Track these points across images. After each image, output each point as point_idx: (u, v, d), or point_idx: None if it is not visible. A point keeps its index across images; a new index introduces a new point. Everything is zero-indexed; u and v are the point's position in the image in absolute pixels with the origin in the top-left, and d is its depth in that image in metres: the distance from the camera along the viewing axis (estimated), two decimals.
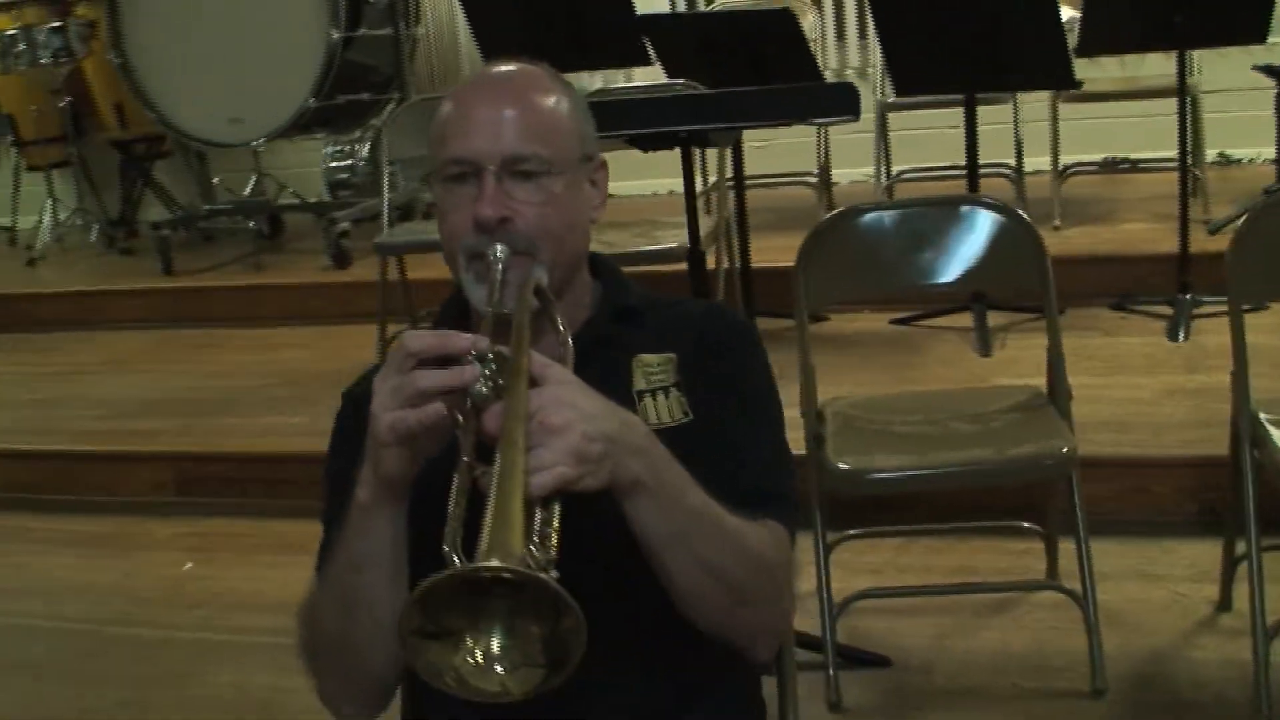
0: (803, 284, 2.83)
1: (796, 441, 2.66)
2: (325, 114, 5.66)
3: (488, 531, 1.15)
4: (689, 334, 1.61)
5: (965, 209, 2.85)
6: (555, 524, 1.24)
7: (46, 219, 6.57)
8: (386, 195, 4.64)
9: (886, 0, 4.23)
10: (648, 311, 1.64)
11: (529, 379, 1.31)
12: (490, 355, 1.31)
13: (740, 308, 4.32)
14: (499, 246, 1.47)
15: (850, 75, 6.19)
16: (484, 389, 1.28)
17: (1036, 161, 5.28)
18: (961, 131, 5.05)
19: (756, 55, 4.09)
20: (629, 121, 2.52)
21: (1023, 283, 2.83)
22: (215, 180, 6.77)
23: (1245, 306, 4.02)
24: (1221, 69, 5.16)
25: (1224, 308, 4.14)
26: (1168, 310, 4.18)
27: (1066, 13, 4.27)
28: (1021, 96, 5.09)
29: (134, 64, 5.77)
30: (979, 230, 2.83)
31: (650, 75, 4.88)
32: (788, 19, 4.06)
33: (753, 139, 5.74)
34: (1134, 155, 5.55)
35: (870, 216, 2.86)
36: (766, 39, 4.08)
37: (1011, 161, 5.16)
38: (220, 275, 5.76)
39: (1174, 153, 4.95)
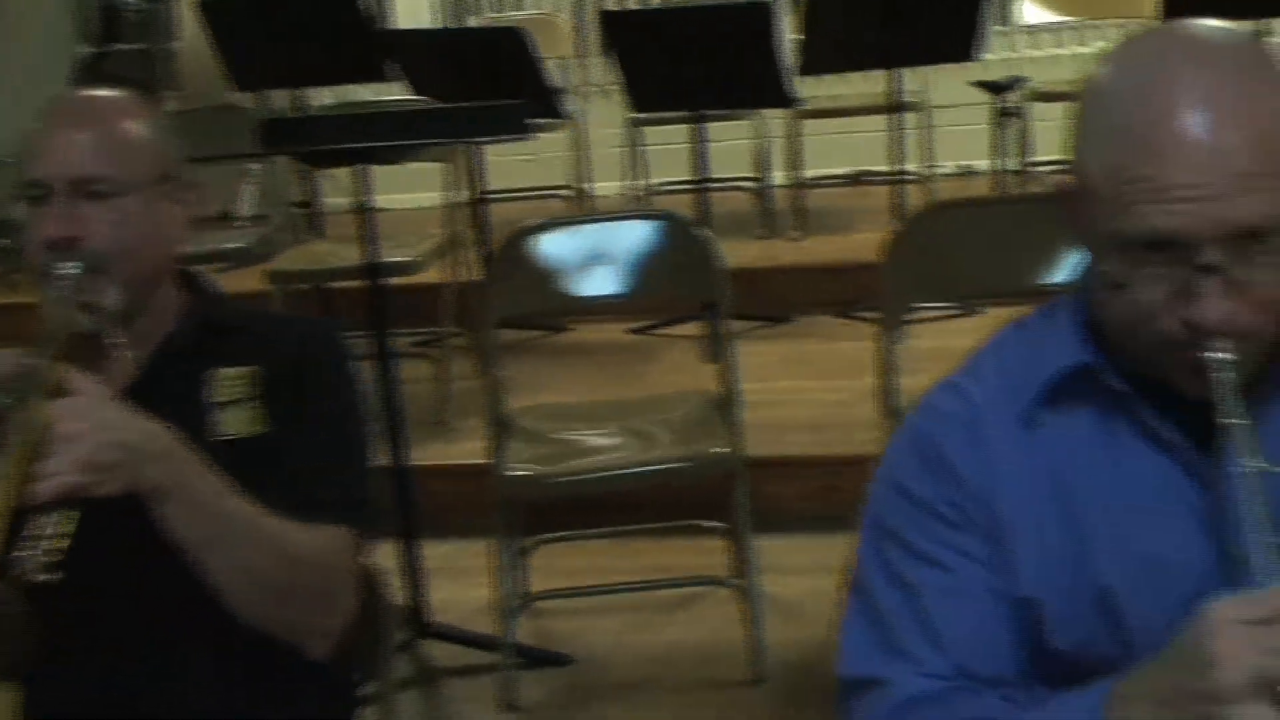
0: (492, 297, 2.93)
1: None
2: None
3: None
4: (278, 349, 1.69)
5: (643, 222, 2.97)
6: (63, 528, 1.31)
7: None
8: None
9: (616, 21, 4.38)
10: (241, 328, 1.71)
11: (59, 391, 1.38)
12: (18, 369, 1.37)
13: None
14: (69, 265, 1.53)
15: (615, 90, 6.32)
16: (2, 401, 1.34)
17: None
18: (718, 145, 5.22)
19: (490, 72, 4.18)
20: (294, 139, 2.58)
21: (700, 291, 2.95)
22: None
23: (956, 311, 4.27)
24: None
25: (938, 313, 4.40)
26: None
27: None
28: (770, 111, 5.28)
29: None
30: (658, 243, 2.95)
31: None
32: (517, 36, 4.16)
33: (521, 151, 5.86)
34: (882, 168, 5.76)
35: (557, 232, 2.97)
36: (499, 56, 4.18)
37: (756, 175, 5.35)
38: None
39: (916, 165, 5.22)
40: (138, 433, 1.40)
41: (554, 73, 6.00)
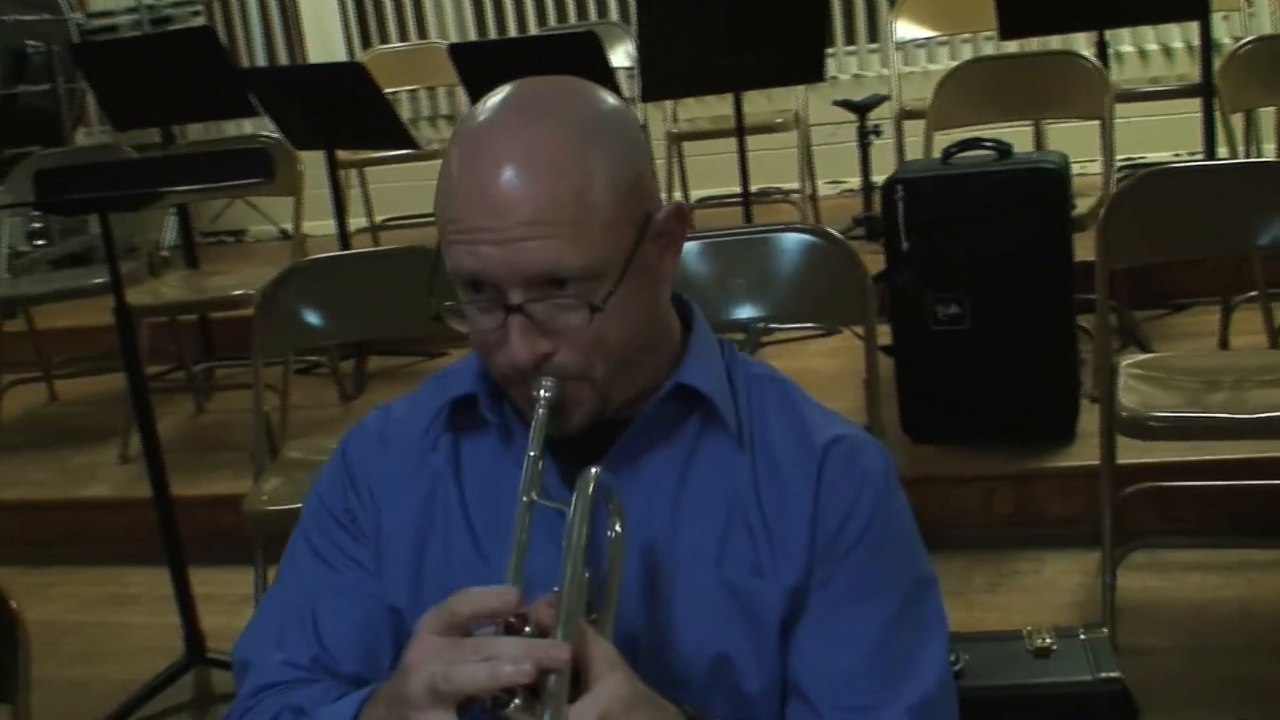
0: (258, 333, 3.03)
1: None
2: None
3: None
4: None
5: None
6: None
7: None
8: (4, 248, 4.77)
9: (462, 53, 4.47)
10: None
11: None
12: None
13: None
14: None
15: None
16: None
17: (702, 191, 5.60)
18: None
19: (338, 106, 4.29)
20: (44, 190, 2.68)
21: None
22: None
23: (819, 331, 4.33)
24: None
25: (792, 334, 4.46)
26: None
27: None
28: None
29: None
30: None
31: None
32: (360, 72, 4.26)
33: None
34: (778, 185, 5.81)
35: (322, 270, 3.07)
36: (345, 91, 4.28)
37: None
38: None
39: (793, 184, 5.28)
40: None
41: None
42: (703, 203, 5.60)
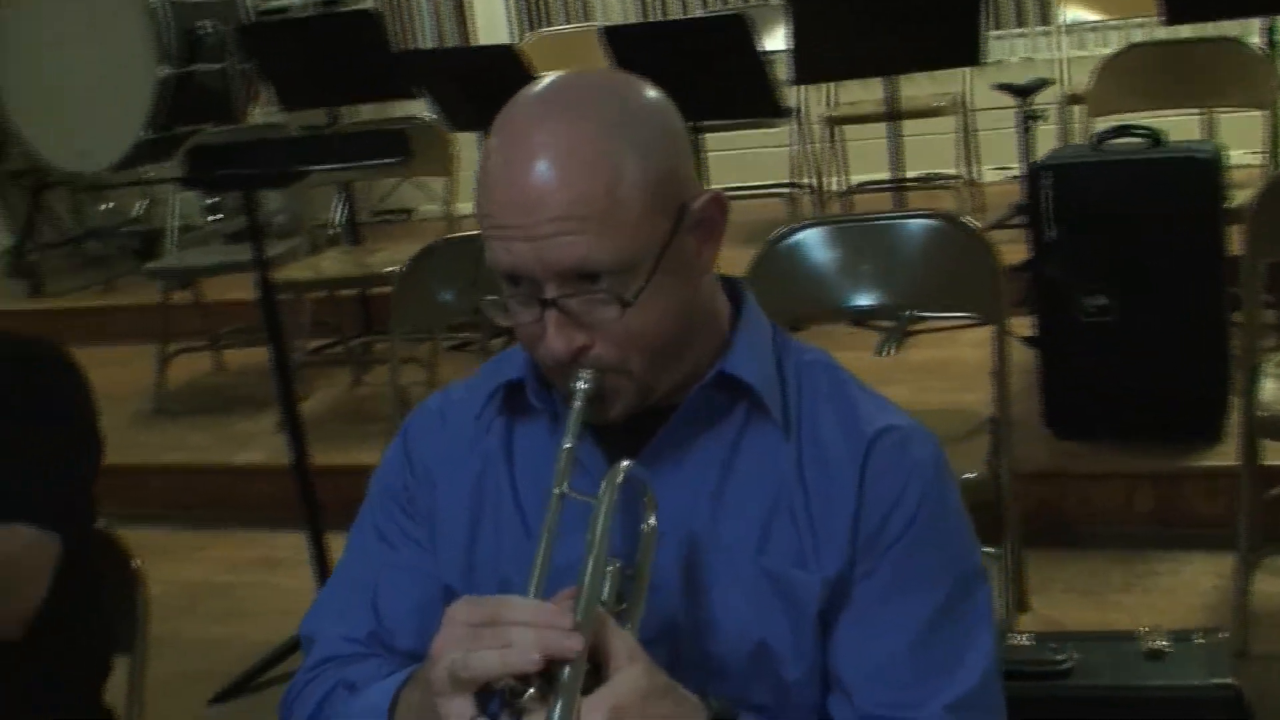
0: (395, 311, 3.10)
1: None
2: (172, 144, 5.95)
3: None
4: None
5: None
6: None
7: None
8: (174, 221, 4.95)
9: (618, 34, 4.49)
10: None
11: None
12: None
13: None
14: None
15: None
16: None
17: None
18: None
19: (490, 88, 4.34)
20: (194, 167, 2.78)
21: None
22: (108, 206, 7.11)
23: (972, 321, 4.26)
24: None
25: (942, 324, 4.39)
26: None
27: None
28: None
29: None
30: None
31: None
32: (512, 56, 4.31)
33: None
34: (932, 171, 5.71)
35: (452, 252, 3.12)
36: (496, 73, 4.33)
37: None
38: (77, 298, 6.11)
39: (953, 170, 5.19)
40: None
41: None
42: (861, 187, 5.54)
